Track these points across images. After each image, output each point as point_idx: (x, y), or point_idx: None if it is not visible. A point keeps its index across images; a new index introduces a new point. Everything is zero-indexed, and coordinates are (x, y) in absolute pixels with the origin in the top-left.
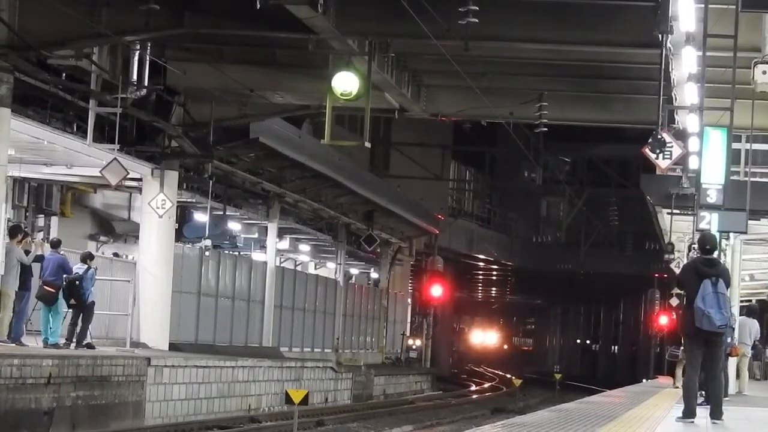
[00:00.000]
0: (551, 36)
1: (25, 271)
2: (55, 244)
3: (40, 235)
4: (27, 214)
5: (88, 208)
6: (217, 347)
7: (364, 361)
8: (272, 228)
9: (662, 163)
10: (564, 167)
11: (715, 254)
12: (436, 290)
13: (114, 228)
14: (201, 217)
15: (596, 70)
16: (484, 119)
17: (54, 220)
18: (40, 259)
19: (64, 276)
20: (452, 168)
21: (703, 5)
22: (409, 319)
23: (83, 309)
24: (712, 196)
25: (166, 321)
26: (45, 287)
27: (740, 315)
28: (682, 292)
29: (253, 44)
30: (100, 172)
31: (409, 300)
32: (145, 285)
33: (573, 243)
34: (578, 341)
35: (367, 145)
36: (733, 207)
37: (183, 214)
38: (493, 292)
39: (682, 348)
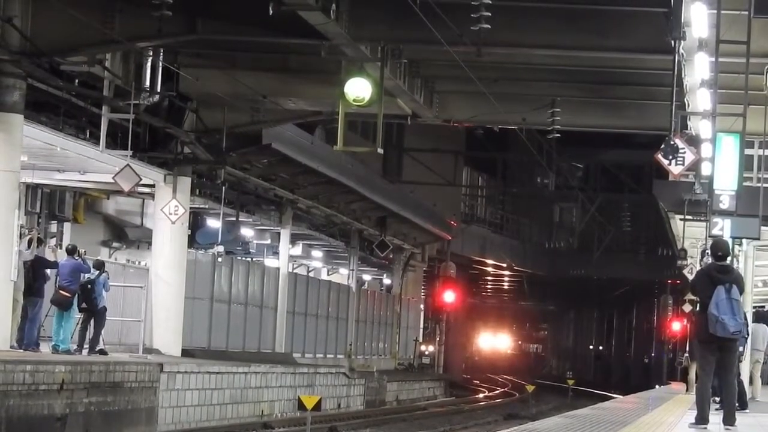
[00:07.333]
0: (564, 42)
1: (39, 278)
2: (71, 250)
3: (52, 242)
4: (40, 220)
5: (101, 215)
6: (229, 353)
7: (376, 367)
8: (285, 234)
9: (675, 169)
10: (577, 173)
11: (728, 260)
12: (449, 296)
13: (127, 234)
14: (214, 223)
15: (609, 76)
16: (497, 125)
17: (67, 226)
18: (54, 265)
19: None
20: (465, 174)
21: (715, 11)
22: (421, 325)
23: (94, 314)
24: (725, 202)
25: (179, 327)
26: (60, 292)
27: (751, 321)
28: (695, 298)
29: (266, 50)
30: (113, 178)
31: (422, 306)
32: (157, 291)
33: (586, 249)
34: (591, 347)
35: (380, 151)
36: (745, 213)
37: (196, 221)
38: (506, 298)
39: (686, 354)
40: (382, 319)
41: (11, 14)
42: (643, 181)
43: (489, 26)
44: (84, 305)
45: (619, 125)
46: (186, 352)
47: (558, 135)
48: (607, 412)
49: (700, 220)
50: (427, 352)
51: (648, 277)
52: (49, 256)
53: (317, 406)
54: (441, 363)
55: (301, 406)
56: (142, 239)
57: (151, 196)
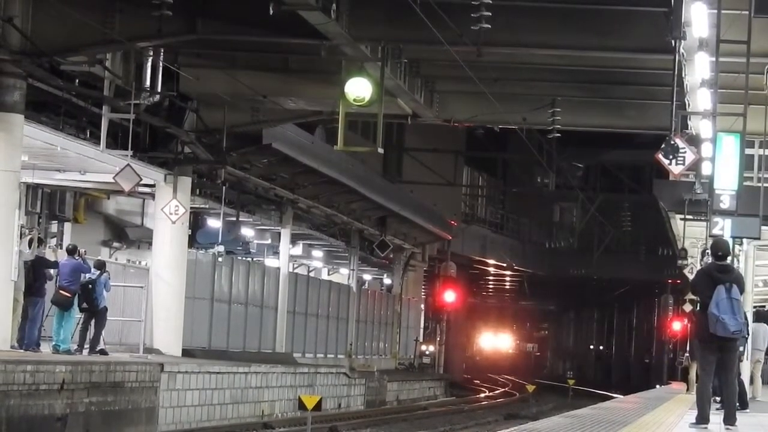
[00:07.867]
0: (564, 41)
1: (39, 278)
2: (71, 250)
3: (53, 241)
4: (40, 220)
5: (102, 214)
6: (230, 353)
7: (377, 367)
8: (285, 234)
9: (675, 168)
10: (577, 173)
11: (729, 260)
12: (449, 296)
13: (127, 234)
14: (214, 223)
15: (609, 76)
16: (497, 125)
17: (67, 226)
18: (54, 265)
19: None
20: (465, 173)
21: (715, 11)
22: (422, 325)
23: (95, 314)
24: (726, 202)
25: (180, 327)
26: (61, 291)
27: (752, 321)
28: (696, 297)
29: (266, 50)
30: (114, 178)
31: (422, 305)
32: (158, 291)
33: (586, 248)
34: (591, 347)
35: (380, 151)
36: (746, 213)
37: (196, 220)
38: (506, 297)
39: (686, 354)
40: (382, 319)
41: (11, 14)
42: (644, 181)
43: (489, 26)
44: (85, 305)
45: (619, 125)
46: (186, 352)
47: (558, 135)
48: (608, 412)
49: (700, 220)
50: (427, 352)
51: (648, 277)
52: (50, 256)
53: (318, 406)
54: (441, 363)
55: (301, 406)
56: (143, 239)
57: (152, 196)
